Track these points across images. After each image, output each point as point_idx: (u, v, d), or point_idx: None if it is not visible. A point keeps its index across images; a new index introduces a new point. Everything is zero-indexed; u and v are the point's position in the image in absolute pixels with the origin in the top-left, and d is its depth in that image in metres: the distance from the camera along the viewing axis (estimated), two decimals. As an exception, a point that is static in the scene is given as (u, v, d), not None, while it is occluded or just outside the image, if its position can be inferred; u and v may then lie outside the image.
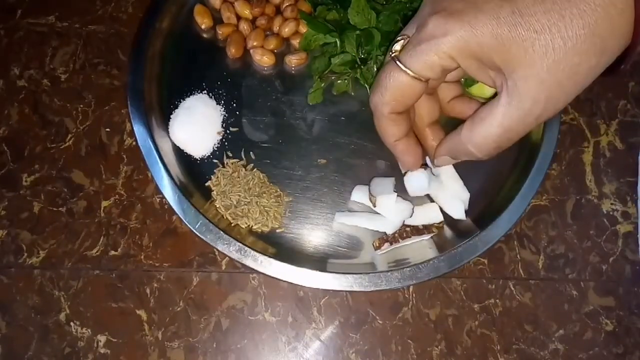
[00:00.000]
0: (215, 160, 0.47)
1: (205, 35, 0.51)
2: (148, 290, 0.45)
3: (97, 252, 0.46)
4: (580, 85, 0.28)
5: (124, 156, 0.48)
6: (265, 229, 0.45)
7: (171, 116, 0.47)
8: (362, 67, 0.47)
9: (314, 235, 0.45)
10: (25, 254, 0.45)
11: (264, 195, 0.45)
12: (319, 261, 0.44)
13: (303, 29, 0.49)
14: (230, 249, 0.42)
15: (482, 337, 0.44)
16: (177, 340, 0.43)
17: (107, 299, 0.44)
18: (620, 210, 0.48)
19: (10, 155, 0.48)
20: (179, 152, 0.47)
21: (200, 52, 0.50)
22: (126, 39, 0.52)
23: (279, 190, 0.46)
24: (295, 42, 0.50)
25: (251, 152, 0.47)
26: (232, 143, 0.48)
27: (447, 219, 0.45)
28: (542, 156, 0.45)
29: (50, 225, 0.46)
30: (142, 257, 0.45)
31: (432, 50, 0.28)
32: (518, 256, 0.46)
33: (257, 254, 0.42)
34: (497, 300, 0.45)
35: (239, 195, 0.45)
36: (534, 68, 0.27)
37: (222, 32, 0.50)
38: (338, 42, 0.47)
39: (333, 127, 0.48)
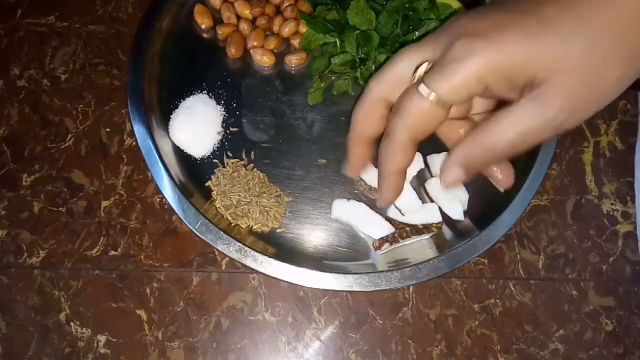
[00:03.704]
0: (215, 160, 0.47)
1: (205, 35, 0.51)
2: (148, 290, 0.45)
3: (97, 252, 0.46)
4: (608, 98, 0.27)
5: (124, 156, 0.48)
6: (266, 229, 0.45)
7: (171, 116, 0.47)
8: (361, 67, 0.47)
9: (314, 235, 0.45)
10: (25, 254, 0.45)
11: (264, 195, 0.45)
12: (319, 261, 0.44)
13: (303, 29, 0.49)
14: (230, 249, 0.42)
15: (482, 337, 0.44)
16: (177, 340, 0.43)
17: (107, 299, 0.44)
18: (620, 210, 0.48)
19: (10, 155, 0.48)
20: (179, 152, 0.47)
21: (200, 52, 0.50)
22: (126, 39, 0.52)
23: (279, 190, 0.46)
24: (295, 42, 0.50)
25: (251, 152, 0.47)
26: (232, 143, 0.48)
27: (447, 219, 0.45)
28: (542, 156, 0.45)
29: (50, 225, 0.46)
30: (142, 257, 0.45)
31: (461, 71, 0.27)
32: (518, 256, 0.46)
33: (257, 254, 0.42)
34: (497, 300, 0.45)
35: (239, 195, 0.45)
36: (562, 78, 0.26)
37: (222, 32, 0.50)
38: (338, 42, 0.47)
39: (333, 127, 0.48)
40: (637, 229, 0.47)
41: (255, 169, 0.47)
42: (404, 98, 0.30)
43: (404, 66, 0.30)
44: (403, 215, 0.45)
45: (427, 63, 0.29)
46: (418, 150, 0.39)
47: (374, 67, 0.47)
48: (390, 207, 0.44)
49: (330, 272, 0.42)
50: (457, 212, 0.44)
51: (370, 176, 0.46)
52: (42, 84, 0.50)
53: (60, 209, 0.47)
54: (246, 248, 0.42)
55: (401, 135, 0.30)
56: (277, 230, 0.45)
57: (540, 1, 0.26)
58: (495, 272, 0.46)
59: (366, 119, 0.33)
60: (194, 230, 0.42)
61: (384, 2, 0.48)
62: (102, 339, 0.44)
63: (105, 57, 0.51)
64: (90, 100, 0.50)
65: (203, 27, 0.51)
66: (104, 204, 0.47)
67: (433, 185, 0.45)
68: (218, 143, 0.47)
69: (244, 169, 0.46)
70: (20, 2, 0.53)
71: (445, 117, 0.29)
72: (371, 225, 0.44)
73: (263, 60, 0.49)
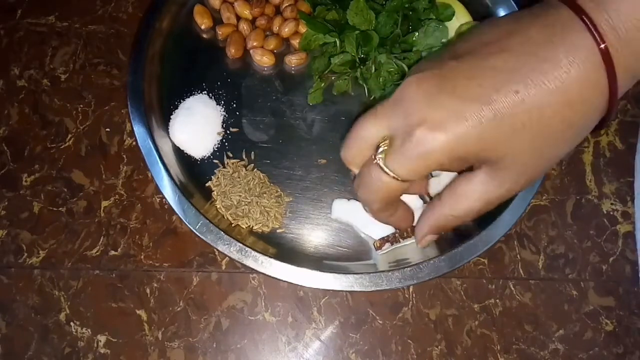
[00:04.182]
0: (215, 161, 0.47)
1: (205, 36, 0.51)
2: (148, 290, 0.45)
3: (97, 252, 0.46)
4: (555, 163, 0.32)
5: (124, 156, 0.48)
6: (266, 229, 0.45)
7: (171, 117, 0.47)
8: (361, 67, 0.47)
9: (314, 235, 0.45)
10: (25, 254, 0.45)
11: (265, 195, 0.45)
12: (319, 261, 0.44)
13: (303, 29, 0.49)
14: (231, 249, 0.42)
15: (482, 337, 0.44)
16: (177, 340, 0.43)
17: (107, 299, 0.44)
18: (620, 210, 0.48)
19: (10, 155, 0.48)
20: (179, 153, 0.47)
21: (200, 52, 0.50)
22: (126, 39, 0.52)
23: (279, 190, 0.46)
24: (295, 42, 0.50)
25: (252, 153, 0.47)
26: (232, 143, 0.48)
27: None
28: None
29: (50, 225, 0.46)
30: (142, 257, 0.45)
31: (421, 159, 0.29)
32: (518, 256, 0.46)
33: (258, 255, 0.42)
34: (497, 300, 0.45)
35: (240, 196, 0.45)
36: (515, 158, 0.29)
37: (221, 32, 0.50)
38: (338, 42, 0.47)
39: (333, 127, 0.48)
40: (637, 229, 0.47)
41: (255, 169, 0.46)
42: (367, 173, 0.32)
43: (364, 137, 0.32)
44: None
45: (385, 144, 0.31)
46: None
47: (374, 67, 0.47)
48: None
49: (331, 272, 0.42)
50: None
51: None
52: (42, 84, 0.50)
53: (60, 209, 0.47)
54: (247, 248, 0.42)
55: (373, 205, 0.34)
56: (278, 231, 0.45)
57: (496, 87, 0.27)
58: (495, 272, 0.46)
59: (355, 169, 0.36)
60: (195, 231, 0.42)
61: (384, 2, 0.48)
62: (102, 339, 0.44)
63: (105, 57, 0.51)
64: (90, 100, 0.50)
65: (203, 27, 0.51)
66: (104, 204, 0.47)
67: (432, 185, 0.45)
68: (218, 143, 0.47)
69: (244, 169, 0.46)
70: (20, 2, 0.53)
71: (409, 185, 0.32)
72: (371, 226, 0.44)
73: (263, 60, 0.49)
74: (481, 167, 0.30)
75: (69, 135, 0.49)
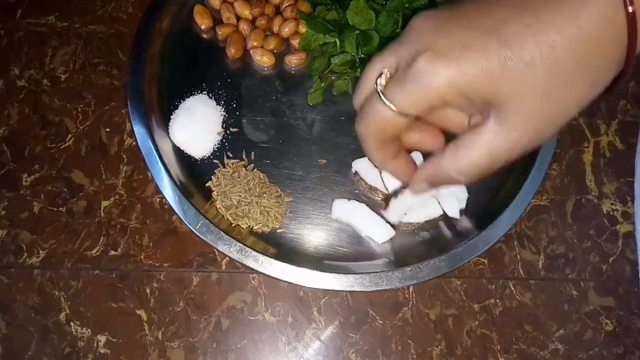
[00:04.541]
0: (215, 161, 0.47)
1: (205, 36, 0.51)
2: (148, 290, 0.45)
3: (97, 252, 0.46)
4: (569, 116, 0.28)
5: (124, 156, 0.48)
6: (266, 229, 0.45)
7: (171, 117, 0.47)
8: (362, 67, 0.47)
9: (314, 235, 0.45)
10: (25, 254, 0.45)
11: (265, 195, 0.45)
12: (319, 261, 0.44)
13: (303, 29, 0.49)
14: (231, 249, 0.42)
15: (482, 337, 0.44)
16: (177, 340, 0.43)
17: (107, 299, 0.44)
18: (620, 210, 0.48)
19: (10, 155, 0.48)
20: (179, 153, 0.47)
21: (200, 52, 0.50)
22: (126, 39, 0.52)
23: (279, 190, 0.46)
24: (295, 42, 0.50)
25: (252, 153, 0.47)
26: (232, 143, 0.48)
27: (449, 220, 0.45)
28: (542, 156, 0.45)
29: (50, 225, 0.46)
30: (142, 257, 0.45)
31: (421, 90, 0.27)
32: (518, 256, 0.46)
33: (258, 255, 0.42)
34: (497, 300, 0.45)
35: (240, 196, 0.45)
36: (524, 100, 0.26)
37: (221, 32, 0.50)
38: (338, 42, 0.47)
39: (333, 127, 0.48)
40: (637, 230, 0.47)
41: (255, 169, 0.47)
42: (367, 105, 0.30)
43: (371, 77, 0.30)
44: (405, 214, 0.44)
45: (386, 72, 0.29)
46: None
47: None
48: (392, 210, 0.44)
49: (331, 272, 0.42)
50: (453, 209, 0.44)
51: (371, 176, 0.46)
52: (42, 84, 0.50)
53: (60, 209, 0.47)
54: (247, 248, 0.42)
55: (368, 141, 0.32)
56: (278, 231, 0.45)
57: (506, 19, 0.26)
58: (495, 272, 0.46)
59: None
60: (195, 231, 0.43)
61: (384, 2, 0.48)
62: (102, 339, 0.44)
63: (105, 57, 0.51)
64: (90, 100, 0.50)
65: (203, 27, 0.51)
66: (104, 204, 0.47)
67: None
68: (218, 143, 0.48)
69: (244, 169, 0.46)
70: (20, 2, 0.53)
71: (408, 123, 0.30)
72: (371, 226, 0.44)
73: (263, 60, 0.49)
74: (488, 116, 0.28)
75: (69, 135, 0.49)
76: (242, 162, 0.47)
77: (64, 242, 0.46)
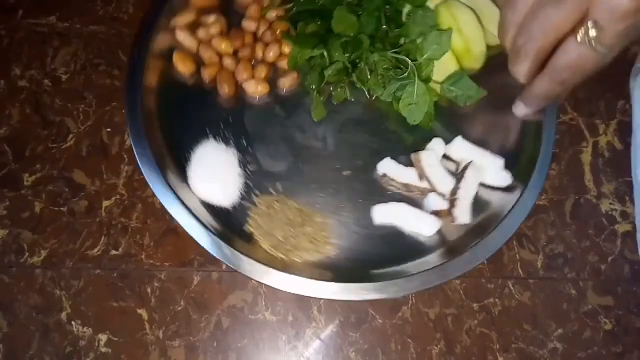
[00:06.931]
0: (246, 203, 0.45)
1: (192, 81, 0.49)
2: (149, 290, 0.45)
3: (98, 251, 0.46)
4: None
5: (125, 156, 0.48)
6: (320, 256, 0.43)
7: (186, 170, 0.45)
8: (354, 71, 0.47)
9: (361, 245, 0.44)
10: (27, 254, 0.46)
11: (307, 222, 0.44)
12: (377, 273, 0.43)
13: (287, 49, 0.48)
14: (297, 287, 0.41)
15: (481, 336, 0.44)
16: (177, 339, 0.44)
17: (108, 298, 0.45)
18: (619, 210, 0.48)
19: (11, 155, 0.48)
20: (208, 205, 0.45)
21: (192, 100, 0.48)
22: (127, 39, 0.52)
23: (317, 213, 0.45)
24: (283, 64, 0.48)
25: (277, 184, 0.46)
26: (255, 181, 0.46)
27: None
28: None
29: (52, 224, 0.46)
30: (143, 256, 0.46)
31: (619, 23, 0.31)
32: (517, 256, 0.46)
33: (322, 282, 0.41)
34: (496, 300, 0.45)
35: (284, 231, 0.43)
36: None
37: (208, 74, 0.48)
38: (326, 53, 0.46)
39: (345, 136, 0.47)
40: (637, 230, 0.47)
41: (287, 199, 0.45)
42: (574, 59, 0.35)
43: (556, 25, 0.34)
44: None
45: (592, 24, 0.32)
46: (440, 137, 0.46)
47: (367, 69, 0.46)
48: (460, 213, 0.44)
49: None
50: (465, 217, 0.44)
51: (400, 174, 0.45)
52: (43, 84, 0.51)
53: (61, 208, 0.47)
54: (310, 280, 0.41)
55: (573, 81, 0.37)
56: (332, 254, 0.44)
57: None
58: (495, 272, 0.46)
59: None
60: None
61: (358, 2, 0.47)
62: (103, 338, 0.44)
63: (106, 57, 0.52)
64: (91, 101, 0.50)
65: (187, 73, 0.48)
66: (105, 203, 0.47)
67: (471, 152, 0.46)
68: (242, 185, 0.46)
69: (276, 203, 0.45)
70: (21, 2, 0.53)
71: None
72: (417, 222, 0.44)
73: (258, 90, 0.48)
74: None
75: (70, 135, 0.49)
76: (273, 197, 0.45)
77: (65, 241, 0.46)
